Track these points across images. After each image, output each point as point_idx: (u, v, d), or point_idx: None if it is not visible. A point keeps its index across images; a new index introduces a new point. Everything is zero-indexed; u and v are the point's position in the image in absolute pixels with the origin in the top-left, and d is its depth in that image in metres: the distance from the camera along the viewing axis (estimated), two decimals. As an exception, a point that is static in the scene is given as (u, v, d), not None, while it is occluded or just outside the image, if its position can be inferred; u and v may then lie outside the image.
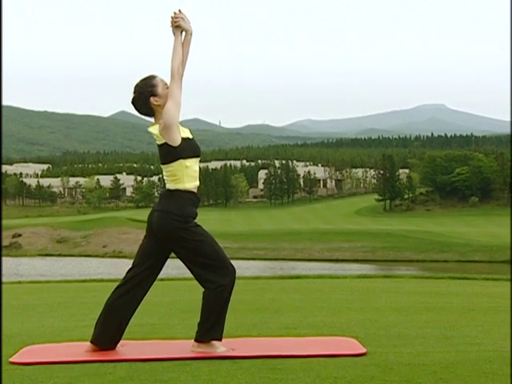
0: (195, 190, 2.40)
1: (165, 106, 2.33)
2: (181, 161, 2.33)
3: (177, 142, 2.31)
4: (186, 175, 2.34)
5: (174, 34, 2.41)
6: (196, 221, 2.42)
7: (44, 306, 4.22)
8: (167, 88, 2.36)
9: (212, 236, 2.42)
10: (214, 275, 2.36)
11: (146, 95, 2.34)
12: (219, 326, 2.41)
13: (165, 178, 2.40)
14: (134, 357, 2.35)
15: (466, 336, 2.76)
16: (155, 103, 2.34)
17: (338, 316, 3.48)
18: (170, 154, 2.32)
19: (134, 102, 2.37)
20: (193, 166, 2.36)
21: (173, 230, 2.33)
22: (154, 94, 2.34)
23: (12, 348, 2.51)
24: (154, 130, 2.35)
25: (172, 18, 2.41)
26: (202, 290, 2.40)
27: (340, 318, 3.38)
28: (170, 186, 2.37)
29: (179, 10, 2.41)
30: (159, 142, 2.33)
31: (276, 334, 2.83)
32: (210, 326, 2.39)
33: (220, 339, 2.42)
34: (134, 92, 2.37)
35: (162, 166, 2.38)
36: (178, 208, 2.33)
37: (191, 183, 2.36)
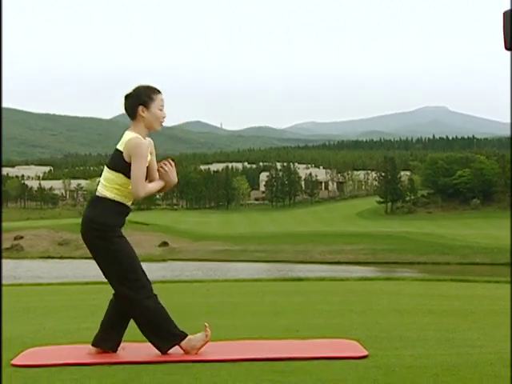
0: (124, 203, 2.38)
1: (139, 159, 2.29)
2: (122, 176, 2.35)
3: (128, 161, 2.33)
4: (119, 189, 2.36)
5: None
6: (123, 231, 2.42)
7: (45, 308, 4.21)
8: (160, 110, 2.39)
9: (132, 249, 2.40)
10: (127, 289, 2.35)
11: (138, 100, 2.37)
12: (170, 331, 2.36)
13: (101, 180, 2.41)
14: (136, 359, 2.34)
15: (468, 338, 2.76)
16: (141, 113, 2.37)
17: (340, 318, 3.48)
18: (119, 164, 2.35)
19: (126, 97, 2.40)
20: (129, 186, 2.36)
21: (92, 239, 2.35)
22: (146, 106, 2.37)
23: (13, 350, 2.51)
24: (127, 135, 2.37)
25: (158, 168, 2.44)
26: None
27: (341, 321, 3.37)
28: (100, 190, 2.38)
29: (169, 162, 2.44)
30: (119, 147, 2.36)
31: (277, 336, 2.82)
32: (161, 336, 2.36)
33: (185, 336, 2.38)
34: (133, 90, 2.40)
35: (105, 167, 2.40)
36: (101, 217, 2.34)
37: (121, 198, 2.36)
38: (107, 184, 2.37)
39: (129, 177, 2.34)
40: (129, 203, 2.41)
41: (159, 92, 2.40)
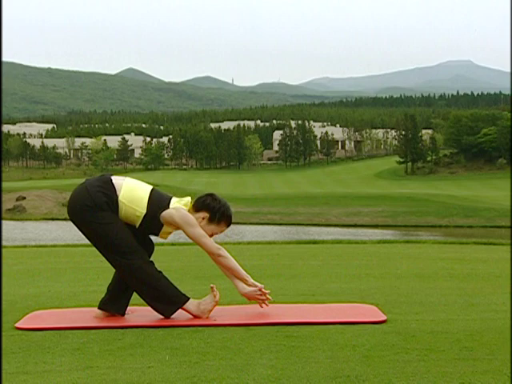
0: (121, 215, 2.36)
1: (195, 227, 2.34)
2: (144, 211, 2.34)
3: (162, 222, 2.36)
4: (129, 207, 2.35)
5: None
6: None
7: (50, 270, 4.19)
8: (210, 235, 2.39)
9: (120, 223, 2.37)
10: (121, 258, 2.34)
11: (211, 211, 2.39)
12: (171, 294, 2.35)
13: (140, 184, 2.40)
14: (144, 323, 2.30)
15: (492, 303, 2.67)
16: (200, 218, 2.39)
17: (357, 282, 3.39)
18: (155, 208, 2.35)
19: (210, 195, 2.44)
20: (135, 221, 2.37)
21: (81, 212, 2.33)
22: (209, 219, 2.38)
23: (18, 313, 2.49)
24: (184, 203, 2.41)
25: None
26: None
27: (359, 285, 3.28)
28: (124, 184, 2.37)
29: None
30: (172, 204, 2.39)
31: (292, 300, 2.75)
32: (163, 301, 2.35)
33: (187, 299, 2.37)
34: (221, 201, 2.43)
35: (153, 188, 2.43)
36: (100, 199, 2.32)
37: (127, 211, 2.34)
38: (134, 198, 2.35)
39: (146, 220, 2.34)
40: (121, 215, 2.37)
41: (228, 225, 2.44)
